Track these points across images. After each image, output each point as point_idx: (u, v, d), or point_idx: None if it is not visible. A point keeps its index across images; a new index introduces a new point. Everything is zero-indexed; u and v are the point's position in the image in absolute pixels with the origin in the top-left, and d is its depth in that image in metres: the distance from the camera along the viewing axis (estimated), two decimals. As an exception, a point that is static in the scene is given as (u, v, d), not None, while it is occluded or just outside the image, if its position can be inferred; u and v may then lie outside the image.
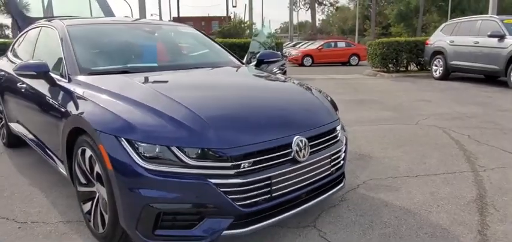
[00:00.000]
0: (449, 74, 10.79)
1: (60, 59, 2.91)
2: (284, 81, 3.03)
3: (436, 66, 11.12)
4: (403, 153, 3.98)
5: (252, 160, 1.99)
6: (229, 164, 1.94)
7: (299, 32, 67.58)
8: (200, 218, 1.96)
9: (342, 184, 2.57)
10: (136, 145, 1.93)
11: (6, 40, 12.56)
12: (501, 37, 8.86)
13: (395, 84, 10.30)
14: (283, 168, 2.08)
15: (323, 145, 2.36)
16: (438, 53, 10.97)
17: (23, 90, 3.29)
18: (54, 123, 2.66)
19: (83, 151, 2.28)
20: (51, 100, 2.70)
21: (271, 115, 2.32)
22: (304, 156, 2.17)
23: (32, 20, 4.31)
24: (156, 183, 1.89)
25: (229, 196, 1.92)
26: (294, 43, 29.49)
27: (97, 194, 2.28)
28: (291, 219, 2.36)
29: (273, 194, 2.06)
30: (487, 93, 8.20)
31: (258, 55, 3.79)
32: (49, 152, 2.97)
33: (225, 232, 1.97)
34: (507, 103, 6.96)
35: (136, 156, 1.91)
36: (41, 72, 2.69)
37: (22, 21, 4.39)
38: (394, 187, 3.09)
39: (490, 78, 10.11)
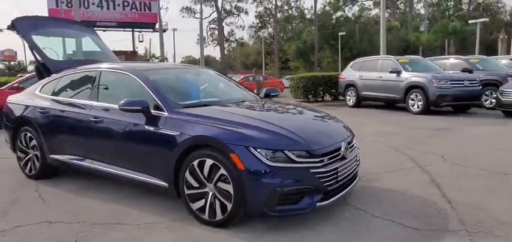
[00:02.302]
0: (361, 103, 13.18)
1: (141, 94, 3.68)
2: (313, 109, 4.24)
3: (349, 96, 13.47)
4: (367, 160, 5.46)
5: (327, 156, 3.17)
6: (317, 159, 3.09)
7: (206, 66, 69.29)
8: (301, 197, 3.04)
9: (358, 177, 3.86)
10: (260, 151, 2.95)
11: None
12: (398, 72, 11.42)
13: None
14: (340, 162, 3.29)
15: (352, 149, 3.64)
16: (350, 85, 13.35)
17: (94, 124, 3.90)
18: (155, 146, 3.44)
19: (201, 162, 3.16)
20: (152, 129, 3.46)
21: (326, 129, 3.54)
22: (347, 155, 3.42)
23: (61, 64, 4.84)
24: (277, 174, 2.94)
25: (320, 180, 3.06)
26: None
27: (210, 193, 3.17)
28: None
29: (338, 179, 3.25)
30: (396, 116, 10.50)
31: (265, 90, 4.96)
32: (137, 172, 3.65)
33: (317, 203, 3.08)
34: (413, 121, 9.21)
35: (263, 158, 2.94)
36: (144, 107, 3.46)
37: (53, 66, 4.85)
38: (378, 179, 4.49)
39: (389, 105, 12.69)
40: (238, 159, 2.97)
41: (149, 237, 3.07)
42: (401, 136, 7.27)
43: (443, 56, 15.74)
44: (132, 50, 46.84)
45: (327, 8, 52.22)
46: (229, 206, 3.08)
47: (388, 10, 64.24)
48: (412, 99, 10.91)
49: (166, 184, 3.46)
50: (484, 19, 36.71)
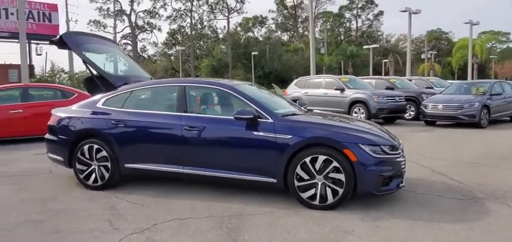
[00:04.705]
0: (306, 116, 14.73)
1: (235, 107, 4.34)
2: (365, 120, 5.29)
3: (295, 111, 14.94)
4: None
5: (399, 150, 4.26)
6: (398, 152, 4.16)
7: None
8: (390, 180, 4.06)
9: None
10: (366, 146, 3.91)
11: None
12: (342, 90, 13.26)
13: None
14: (403, 155, 4.41)
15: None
16: (296, 101, 14.81)
17: (189, 133, 4.36)
18: (266, 148, 4.10)
19: (314, 158, 3.96)
20: (261, 134, 4.12)
21: (388, 132, 4.62)
22: (403, 150, 4.57)
23: (123, 79, 5.11)
24: (379, 163, 3.92)
25: (401, 167, 4.13)
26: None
27: (320, 183, 3.99)
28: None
29: (405, 167, 4.36)
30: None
31: (298, 103, 5.88)
32: (242, 172, 4.25)
33: (400, 185, 4.14)
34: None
35: (370, 151, 3.90)
36: (255, 116, 4.12)
37: (114, 80, 5.05)
38: (395, 172, 5.72)
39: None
40: (352, 153, 3.87)
41: (284, 220, 3.75)
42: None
43: (368, 76, 18.40)
44: (28, 63, 42.37)
45: (239, 28, 54.66)
46: (340, 191, 3.94)
47: (288, 32, 70.01)
48: (356, 113, 12.77)
49: (275, 180, 4.14)
50: (375, 45, 42.80)
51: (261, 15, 59.54)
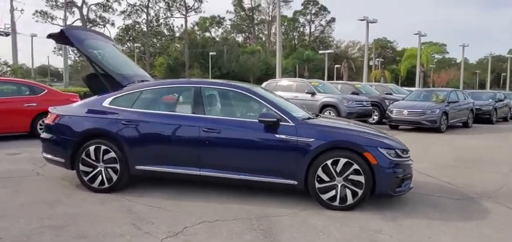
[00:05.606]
0: (276, 118, 14.98)
1: (253, 109, 4.39)
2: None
3: (266, 113, 15.14)
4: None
5: (409, 154, 4.55)
6: (408, 155, 4.44)
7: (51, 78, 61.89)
8: (402, 181, 4.33)
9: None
10: (383, 150, 4.14)
11: None
12: (313, 93, 13.66)
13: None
14: (411, 158, 4.71)
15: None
16: (267, 103, 15.04)
17: (207, 135, 4.32)
18: (288, 151, 4.19)
19: (335, 161, 4.12)
20: (284, 137, 4.19)
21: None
22: (406, 153, 4.88)
23: (131, 78, 4.92)
24: (396, 166, 4.17)
25: (411, 169, 4.42)
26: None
27: (339, 185, 4.15)
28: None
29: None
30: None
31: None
32: (262, 175, 4.29)
33: (410, 186, 4.41)
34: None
35: (387, 155, 4.13)
36: (277, 119, 4.18)
37: (121, 79, 4.84)
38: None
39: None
40: (372, 156, 4.08)
41: (311, 220, 3.86)
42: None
43: (335, 81, 19.08)
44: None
45: (196, 27, 53.99)
46: (359, 192, 4.12)
47: (243, 34, 70.44)
48: (327, 116, 13.23)
49: (295, 182, 4.24)
50: (330, 50, 44.36)
51: (218, 16, 59.36)
